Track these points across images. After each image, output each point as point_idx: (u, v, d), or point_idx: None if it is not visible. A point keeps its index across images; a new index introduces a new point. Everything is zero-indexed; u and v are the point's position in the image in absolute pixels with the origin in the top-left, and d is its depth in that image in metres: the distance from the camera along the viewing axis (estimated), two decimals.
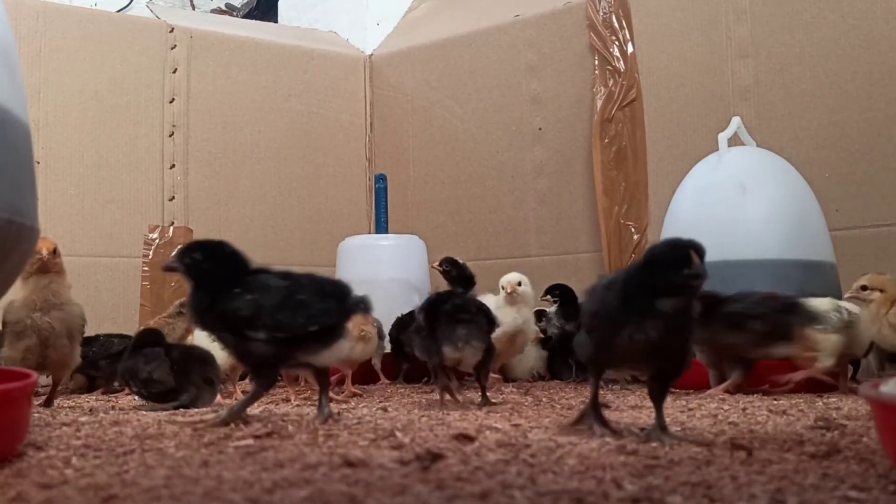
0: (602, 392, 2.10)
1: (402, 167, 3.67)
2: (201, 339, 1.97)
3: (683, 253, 1.19)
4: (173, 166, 3.25)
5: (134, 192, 3.17)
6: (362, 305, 1.56)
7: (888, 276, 2.06)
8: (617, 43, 3.11)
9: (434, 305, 1.85)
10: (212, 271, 1.50)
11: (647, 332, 1.23)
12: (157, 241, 3.16)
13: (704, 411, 1.65)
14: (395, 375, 2.70)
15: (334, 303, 1.51)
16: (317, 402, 1.88)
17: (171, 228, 3.20)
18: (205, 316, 1.51)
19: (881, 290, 2.03)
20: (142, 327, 2.50)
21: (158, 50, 3.26)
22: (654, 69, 3.05)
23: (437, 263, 2.50)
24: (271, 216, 3.47)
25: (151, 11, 3.47)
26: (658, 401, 1.31)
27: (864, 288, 2.05)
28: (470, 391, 2.27)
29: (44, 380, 1.98)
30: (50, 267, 1.87)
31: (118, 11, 4.20)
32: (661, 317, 1.22)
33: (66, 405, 1.97)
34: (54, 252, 1.88)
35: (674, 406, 1.74)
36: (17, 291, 1.84)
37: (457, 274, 2.47)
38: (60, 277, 1.91)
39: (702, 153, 2.54)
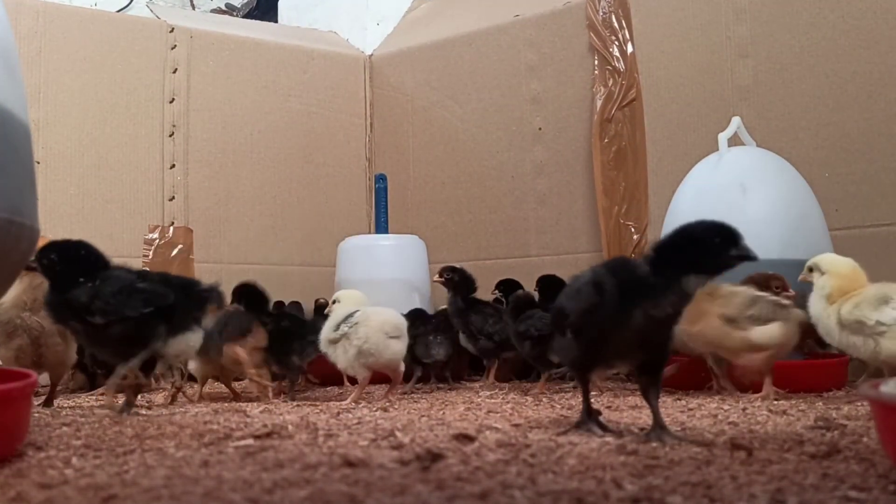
0: (599, 392, 2.11)
1: (402, 167, 3.67)
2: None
3: (730, 232, 1.21)
4: (173, 166, 3.25)
5: (134, 192, 3.17)
6: (213, 295, 1.66)
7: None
8: (617, 43, 3.11)
9: None
10: (67, 272, 1.57)
11: (666, 308, 1.24)
12: (157, 241, 3.16)
13: (704, 411, 1.65)
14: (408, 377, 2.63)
15: (177, 292, 1.59)
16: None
17: (171, 228, 3.20)
18: (56, 310, 1.59)
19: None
20: None
21: (158, 50, 3.26)
22: (653, 69, 3.04)
23: (437, 276, 2.50)
24: (271, 216, 3.47)
25: (151, 11, 3.47)
26: (652, 398, 1.31)
27: (811, 270, 1.96)
28: (469, 391, 2.27)
29: (44, 380, 1.98)
30: None
31: (118, 11, 4.21)
32: (676, 295, 1.23)
33: (66, 405, 1.97)
34: None
35: (674, 406, 1.74)
36: (9, 289, 1.84)
37: (459, 279, 2.47)
38: None
39: (702, 153, 2.54)
